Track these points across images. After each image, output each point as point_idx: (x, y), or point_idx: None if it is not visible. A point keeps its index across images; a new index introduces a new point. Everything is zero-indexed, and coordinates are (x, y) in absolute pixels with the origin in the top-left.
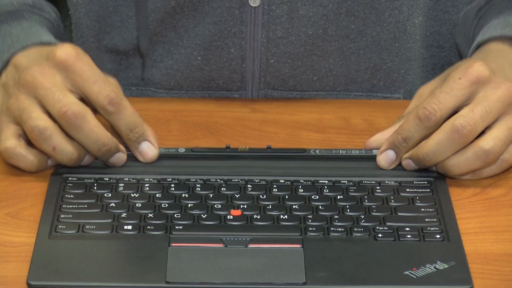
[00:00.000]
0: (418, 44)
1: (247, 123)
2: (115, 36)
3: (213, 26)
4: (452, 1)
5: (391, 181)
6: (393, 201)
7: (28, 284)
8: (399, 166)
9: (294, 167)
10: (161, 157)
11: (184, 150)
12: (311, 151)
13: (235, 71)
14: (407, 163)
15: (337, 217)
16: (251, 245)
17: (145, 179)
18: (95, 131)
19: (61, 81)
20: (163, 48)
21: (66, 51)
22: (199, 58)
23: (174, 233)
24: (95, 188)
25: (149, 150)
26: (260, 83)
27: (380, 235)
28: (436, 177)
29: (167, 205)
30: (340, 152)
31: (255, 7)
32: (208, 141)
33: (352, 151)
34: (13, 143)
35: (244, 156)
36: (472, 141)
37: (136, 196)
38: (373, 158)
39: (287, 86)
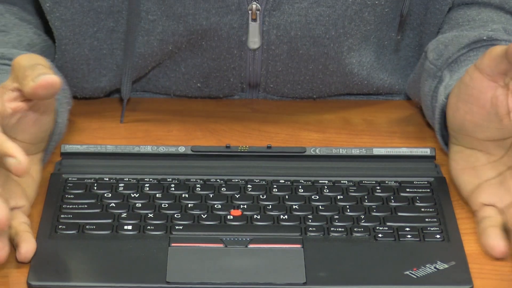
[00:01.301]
0: (399, 55)
1: (247, 123)
2: (111, 78)
3: (212, 61)
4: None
5: (391, 181)
6: (393, 201)
7: (28, 284)
8: (399, 165)
9: (294, 167)
10: (161, 157)
11: (184, 149)
12: (311, 150)
13: (235, 89)
14: None
15: (337, 217)
16: (251, 245)
17: (145, 179)
18: None
19: None
20: (159, 71)
21: None
22: (198, 84)
23: (174, 233)
24: (95, 188)
25: None
26: (259, 92)
27: (380, 235)
28: (436, 177)
29: (167, 205)
30: (340, 151)
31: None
32: (208, 141)
33: (352, 151)
34: None
35: (244, 156)
36: None
37: (136, 196)
38: (373, 158)
39: (287, 97)
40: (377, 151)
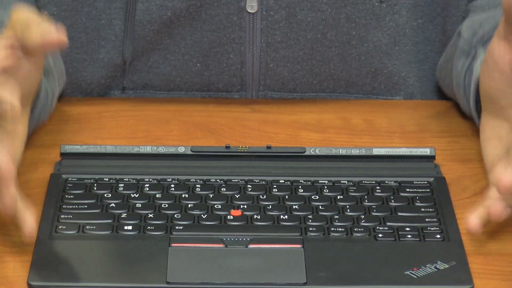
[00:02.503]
0: (418, 47)
1: (247, 123)
2: (110, 49)
3: (212, 33)
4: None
5: (391, 181)
6: (393, 201)
7: (28, 284)
8: (398, 165)
9: (294, 167)
10: (161, 157)
11: (184, 149)
12: (311, 150)
13: (234, 75)
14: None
15: (337, 217)
16: (251, 245)
17: (145, 179)
18: None
19: None
20: (159, 54)
21: None
22: (198, 64)
23: (174, 233)
24: (95, 188)
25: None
26: (260, 86)
27: (380, 235)
28: (436, 177)
29: (167, 205)
30: (340, 151)
31: (253, 13)
32: (208, 141)
33: (352, 151)
34: None
35: (244, 156)
36: None
37: (136, 196)
38: (373, 158)
39: (287, 88)
40: (377, 151)
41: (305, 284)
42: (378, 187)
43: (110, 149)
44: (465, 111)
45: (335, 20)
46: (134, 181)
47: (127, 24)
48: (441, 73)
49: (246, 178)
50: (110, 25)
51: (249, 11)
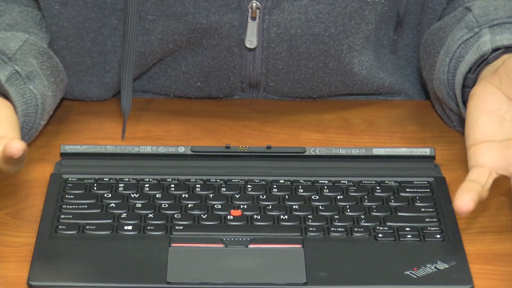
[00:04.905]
0: (398, 54)
1: (247, 123)
2: (114, 75)
3: (212, 60)
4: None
5: (391, 181)
6: (393, 201)
7: (28, 284)
8: (398, 165)
9: (294, 167)
10: (161, 157)
11: (184, 149)
12: (311, 151)
13: (235, 90)
14: None
15: (337, 217)
16: (251, 245)
17: (145, 179)
18: None
19: None
20: (159, 68)
21: None
22: (198, 84)
23: (174, 233)
24: (95, 188)
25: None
26: (260, 93)
27: (380, 235)
28: (436, 177)
29: (167, 205)
30: (340, 151)
31: (253, 48)
32: (208, 141)
33: (352, 151)
34: None
35: (244, 156)
36: None
37: (136, 196)
38: (373, 158)
39: (287, 97)
40: (377, 151)
41: (305, 284)
42: (378, 187)
43: (110, 149)
44: (439, 79)
45: (337, 51)
46: (134, 181)
47: (123, 67)
48: (428, 38)
49: (246, 178)
50: (115, 52)
51: (248, 46)
